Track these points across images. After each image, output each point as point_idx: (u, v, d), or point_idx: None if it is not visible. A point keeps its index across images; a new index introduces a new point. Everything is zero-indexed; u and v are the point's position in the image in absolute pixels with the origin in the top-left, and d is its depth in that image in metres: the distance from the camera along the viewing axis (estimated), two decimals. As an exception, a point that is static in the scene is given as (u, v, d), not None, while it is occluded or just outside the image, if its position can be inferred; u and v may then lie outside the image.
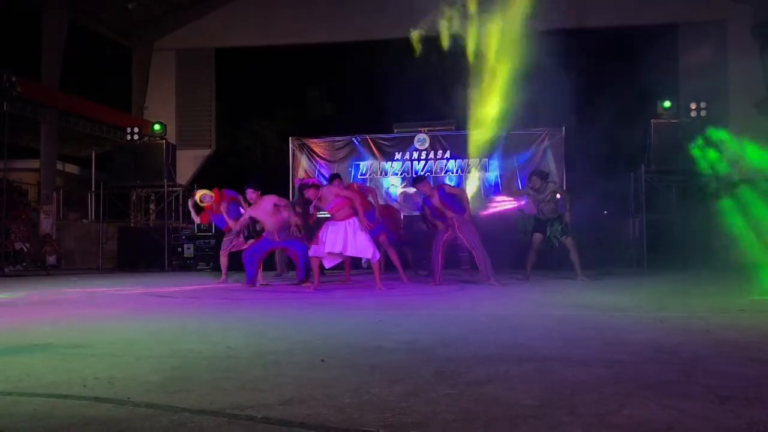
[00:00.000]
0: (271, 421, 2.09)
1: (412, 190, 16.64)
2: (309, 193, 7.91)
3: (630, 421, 2.03)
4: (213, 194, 9.78)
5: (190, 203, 10.22)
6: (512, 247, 10.91)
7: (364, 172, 17.22)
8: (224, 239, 10.00)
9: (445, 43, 14.94)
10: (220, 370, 2.98)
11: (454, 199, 8.50)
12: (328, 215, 8.05)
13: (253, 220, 9.44)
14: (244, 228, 9.70)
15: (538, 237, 9.07)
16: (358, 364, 3.05)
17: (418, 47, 15.25)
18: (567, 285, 8.25)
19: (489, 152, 16.49)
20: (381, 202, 11.04)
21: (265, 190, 9.16)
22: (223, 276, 9.91)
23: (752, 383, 2.59)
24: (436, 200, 8.42)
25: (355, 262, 10.57)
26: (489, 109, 14.91)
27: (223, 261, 10.00)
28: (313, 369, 2.96)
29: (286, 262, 11.24)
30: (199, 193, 9.83)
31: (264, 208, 8.67)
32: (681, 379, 2.64)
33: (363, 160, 17.30)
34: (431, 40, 16.65)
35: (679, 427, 1.97)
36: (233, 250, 9.82)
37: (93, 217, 17.18)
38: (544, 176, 9.29)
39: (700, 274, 10.01)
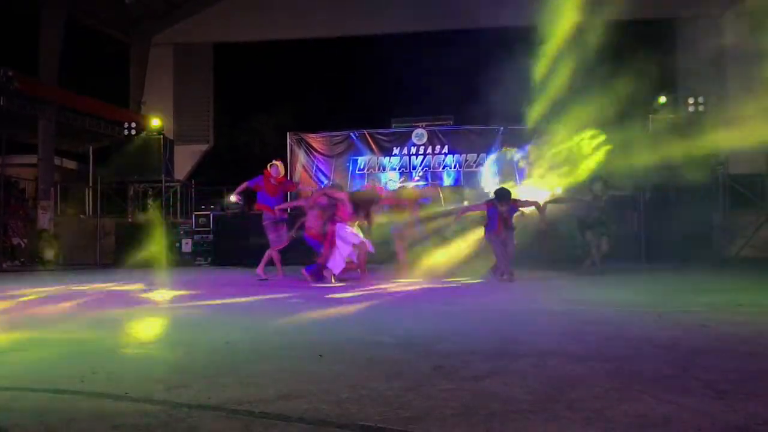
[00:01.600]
0: (270, 415, 2.09)
1: (410, 185, 16.67)
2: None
3: (627, 416, 2.04)
4: (281, 170, 9.39)
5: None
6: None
7: (362, 167, 17.23)
8: (275, 236, 9.24)
9: None
10: (218, 365, 2.98)
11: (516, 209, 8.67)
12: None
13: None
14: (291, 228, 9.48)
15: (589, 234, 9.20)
16: (356, 359, 3.05)
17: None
18: (565, 281, 8.26)
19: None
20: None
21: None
22: (280, 271, 9.43)
23: (749, 378, 2.59)
24: (505, 210, 8.42)
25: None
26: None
27: (277, 256, 9.40)
28: (311, 364, 2.96)
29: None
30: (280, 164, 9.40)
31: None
32: (678, 374, 2.65)
33: (361, 155, 17.30)
34: (433, 35, 16.68)
35: (677, 421, 1.97)
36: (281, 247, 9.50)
37: (90, 213, 17.15)
38: (607, 183, 9.33)
39: (697, 269, 10.02)
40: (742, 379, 2.56)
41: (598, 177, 9.66)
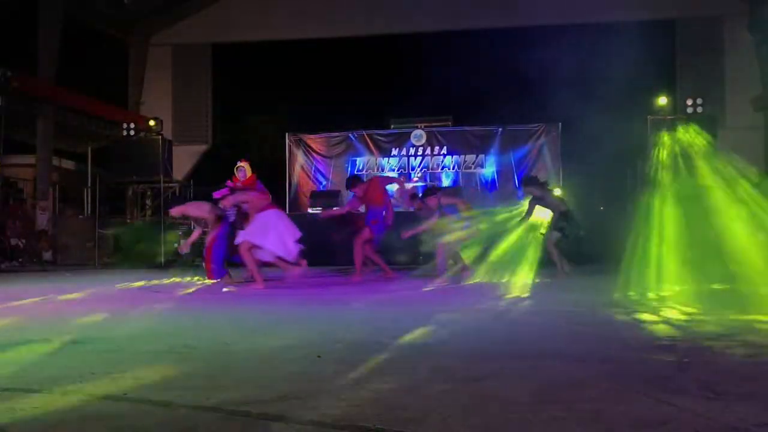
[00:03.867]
0: (268, 417, 2.10)
1: (408, 185, 16.69)
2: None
3: (625, 417, 2.04)
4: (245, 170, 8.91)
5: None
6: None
7: (360, 168, 17.23)
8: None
9: None
10: (216, 365, 2.98)
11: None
12: None
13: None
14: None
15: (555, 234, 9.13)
16: (354, 360, 3.05)
17: None
18: (564, 281, 8.27)
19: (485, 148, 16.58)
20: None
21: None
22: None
23: (747, 378, 2.60)
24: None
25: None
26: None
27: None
28: (309, 365, 2.96)
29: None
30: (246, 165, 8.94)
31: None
32: (676, 375, 2.65)
33: (360, 155, 17.30)
34: (433, 35, 16.68)
35: (674, 423, 1.98)
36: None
37: (89, 213, 17.14)
38: (534, 182, 9.48)
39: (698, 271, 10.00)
40: (740, 380, 2.57)
41: (529, 179, 9.84)
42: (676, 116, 14.09)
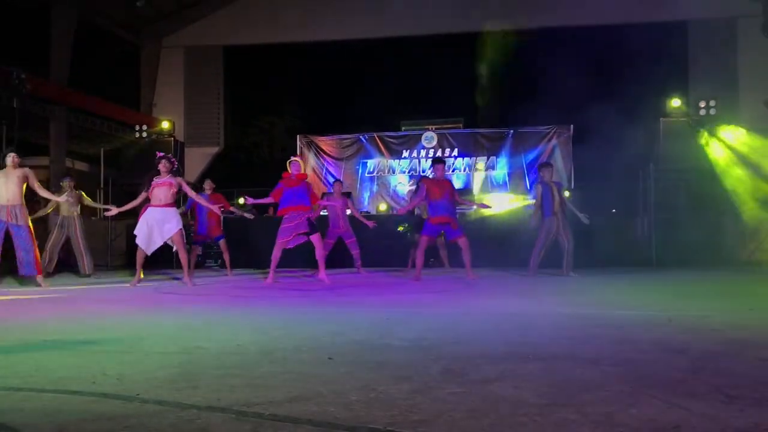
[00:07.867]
0: (279, 418, 2.10)
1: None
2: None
3: (637, 420, 2.03)
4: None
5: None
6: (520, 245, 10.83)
7: (371, 170, 17.23)
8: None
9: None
10: (227, 366, 2.99)
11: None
12: None
13: None
14: None
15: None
16: (365, 362, 3.05)
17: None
18: (574, 283, 8.23)
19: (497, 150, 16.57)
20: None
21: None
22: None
23: (760, 382, 2.58)
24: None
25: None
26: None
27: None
28: (320, 366, 2.97)
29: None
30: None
31: None
32: (689, 378, 2.64)
33: (370, 158, 17.30)
34: (443, 37, 16.66)
35: (687, 427, 1.97)
36: None
37: (101, 215, 17.24)
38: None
39: (708, 273, 9.96)
40: (752, 383, 2.55)
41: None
42: (689, 118, 14.03)
